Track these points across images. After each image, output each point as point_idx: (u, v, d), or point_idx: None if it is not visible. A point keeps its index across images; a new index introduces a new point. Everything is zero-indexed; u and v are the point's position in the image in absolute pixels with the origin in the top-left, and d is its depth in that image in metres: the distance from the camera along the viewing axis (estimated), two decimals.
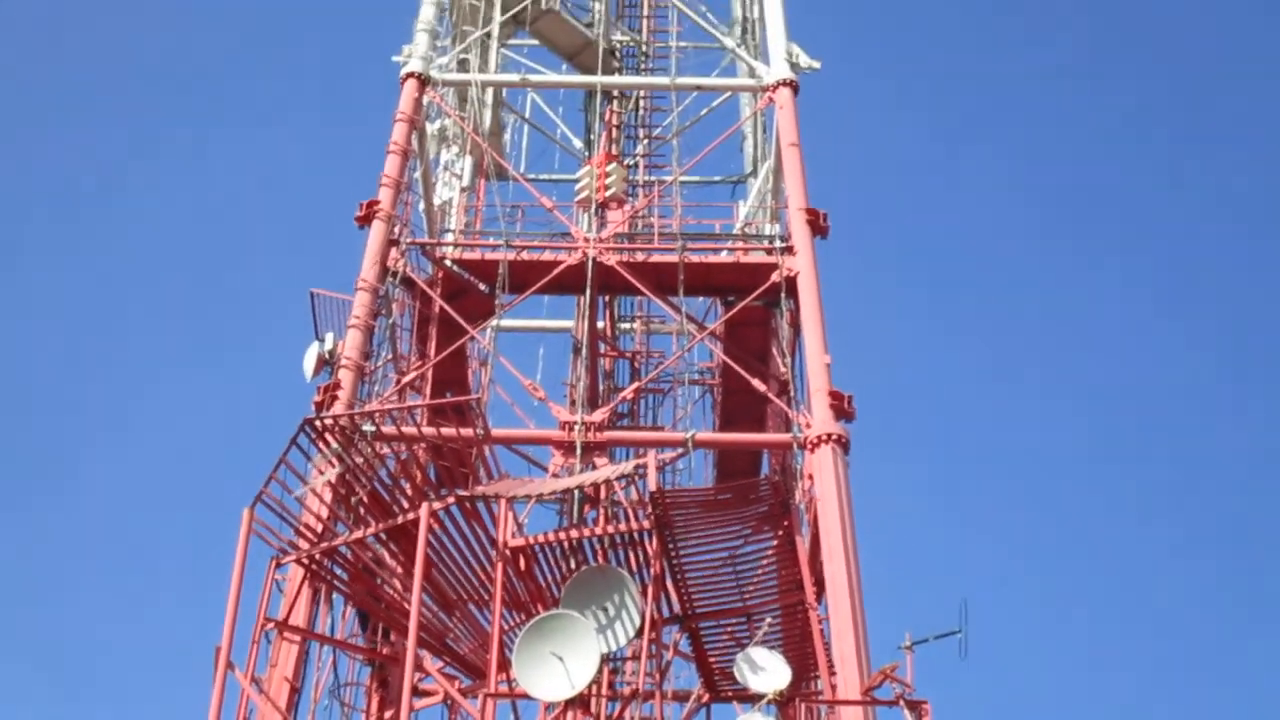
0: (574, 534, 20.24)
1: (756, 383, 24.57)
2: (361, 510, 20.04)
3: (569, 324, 29.66)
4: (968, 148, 74.44)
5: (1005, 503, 67.05)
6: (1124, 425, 68.74)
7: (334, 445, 19.92)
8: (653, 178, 30.76)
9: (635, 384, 28.54)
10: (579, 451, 23.28)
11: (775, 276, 24.62)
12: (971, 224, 72.43)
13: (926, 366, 67.50)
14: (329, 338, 23.88)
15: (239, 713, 19.12)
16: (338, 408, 22.58)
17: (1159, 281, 71.55)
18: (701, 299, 26.51)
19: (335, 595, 21.11)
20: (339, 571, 20.48)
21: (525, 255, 25.39)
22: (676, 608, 21.24)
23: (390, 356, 25.00)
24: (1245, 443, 68.05)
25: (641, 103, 32.28)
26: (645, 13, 33.33)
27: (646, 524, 20.23)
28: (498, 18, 30.34)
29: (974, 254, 72.61)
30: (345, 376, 23.35)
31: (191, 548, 60.03)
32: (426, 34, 28.17)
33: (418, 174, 27.45)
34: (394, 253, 25.16)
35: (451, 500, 19.54)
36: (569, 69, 31.93)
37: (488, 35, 30.14)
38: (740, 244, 26.29)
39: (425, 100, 27.47)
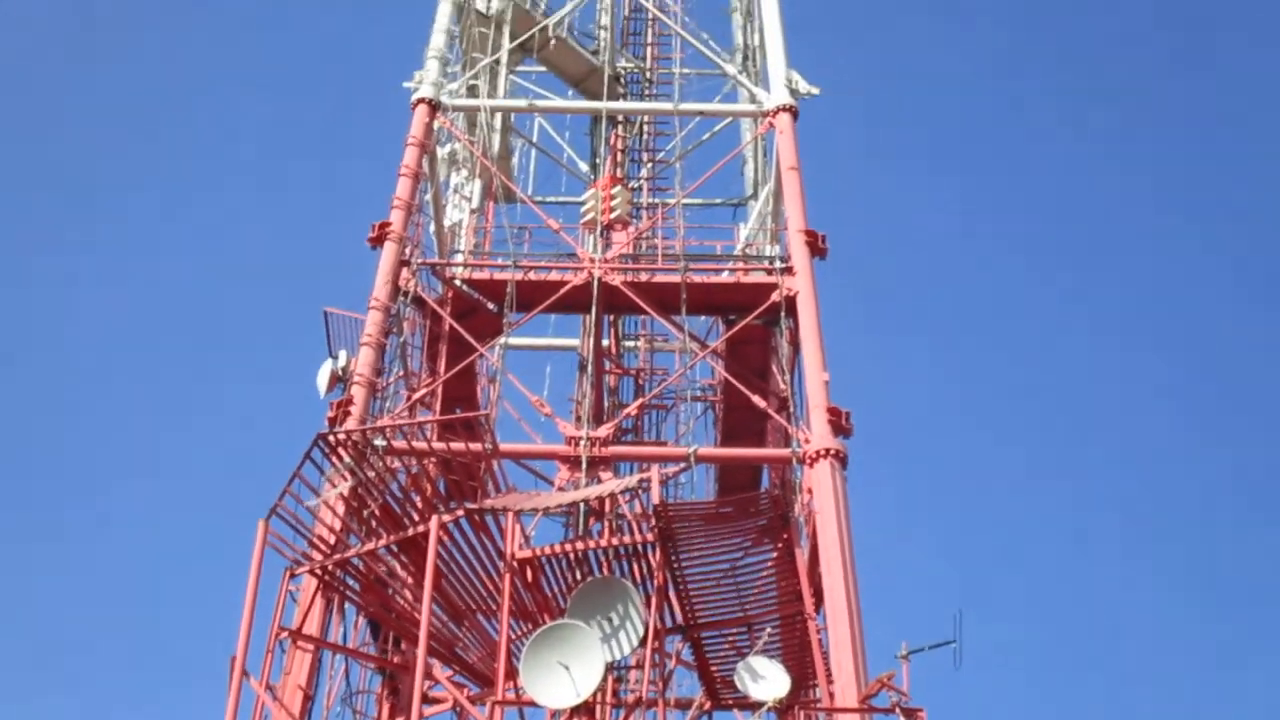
0: (579, 546, 20.24)
1: (757, 399, 24.58)
2: (373, 523, 20.05)
3: (575, 342, 29.67)
4: (961, 174, 74.58)
5: (1000, 515, 67.02)
6: (1118, 430, 68.86)
7: (347, 459, 19.94)
8: (656, 200, 30.78)
9: (639, 400, 28.53)
10: (584, 466, 23.29)
11: (775, 296, 24.62)
12: (966, 245, 72.54)
13: (923, 382, 67.48)
14: (342, 355, 23.89)
15: (254, 719, 19.14)
16: (350, 423, 22.58)
17: (1146, 298, 71.58)
18: (703, 318, 26.53)
19: (347, 605, 21.10)
20: (351, 582, 20.48)
21: (533, 275, 25.41)
22: (679, 618, 21.22)
23: (401, 373, 25.02)
24: (1235, 454, 68.23)
25: (645, 127, 32.32)
26: (649, 40, 33.42)
27: (650, 536, 20.22)
28: (506, 45, 30.40)
29: (968, 273, 72.68)
30: (358, 393, 23.36)
31: (208, 559, 60.10)
32: (437, 61, 28.21)
33: (428, 196, 27.48)
34: (405, 273, 25.18)
35: (461, 513, 19.54)
36: (575, 95, 31.98)
37: (497, 62, 30.19)
38: (741, 265, 26.31)
39: (436, 125, 27.50)
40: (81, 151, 72.55)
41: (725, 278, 25.69)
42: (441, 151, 29.33)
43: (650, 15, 32.99)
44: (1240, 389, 68.89)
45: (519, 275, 25.28)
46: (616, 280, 25.06)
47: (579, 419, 25.74)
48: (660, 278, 25.39)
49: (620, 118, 31.80)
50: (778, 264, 25.34)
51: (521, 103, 30.00)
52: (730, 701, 21.82)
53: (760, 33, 29.99)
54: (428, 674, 19.62)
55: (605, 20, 32.60)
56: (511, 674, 19.07)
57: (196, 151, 73.22)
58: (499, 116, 30.31)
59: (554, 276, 25.35)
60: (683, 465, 24.61)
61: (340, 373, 23.68)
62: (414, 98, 27.49)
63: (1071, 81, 75.13)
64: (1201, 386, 70.10)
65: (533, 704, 18.81)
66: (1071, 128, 74.88)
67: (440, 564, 19.51)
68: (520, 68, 31.91)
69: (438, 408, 25.09)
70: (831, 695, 20.58)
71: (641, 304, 25.13)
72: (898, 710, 19.19)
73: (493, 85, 30.03)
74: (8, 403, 67.05)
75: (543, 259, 25.89)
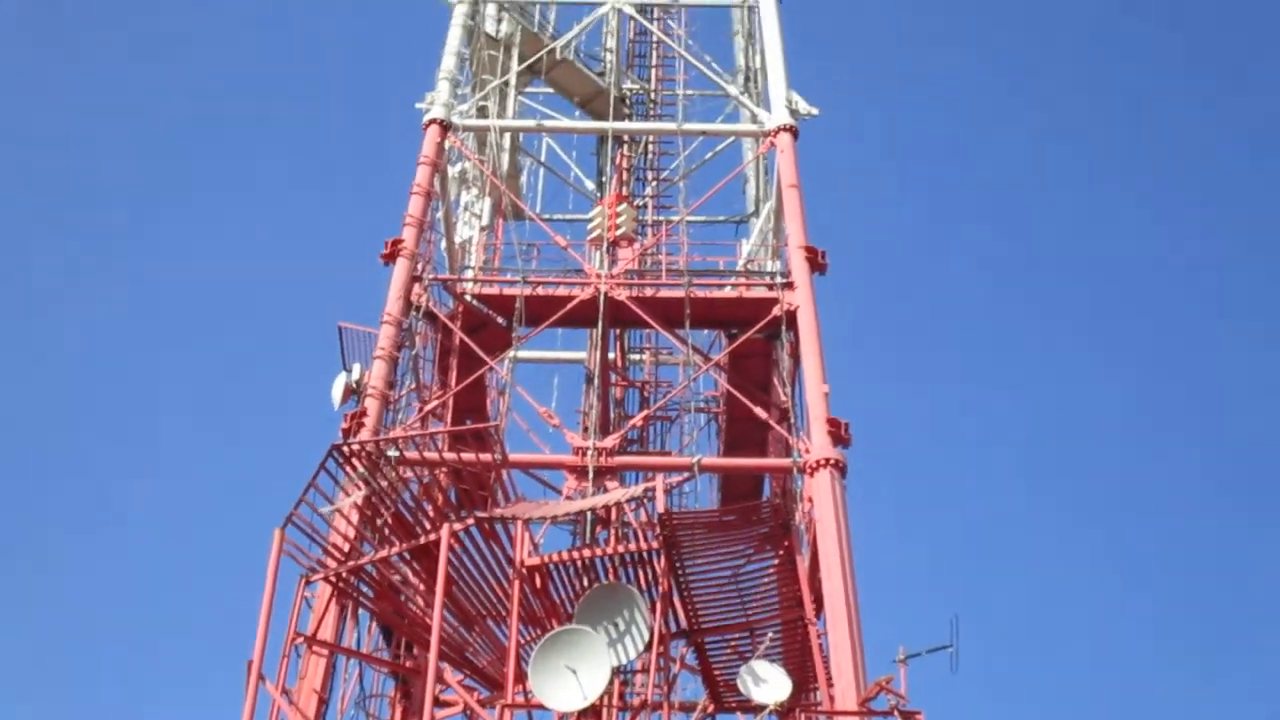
0: (586, 553, 20.23)
1: (759, 410, 24.57)
2: (386, 531, 20.05)
3: (582, 355, 29.67)
4: (956, 191, 74.61)
5: (995, 521, 66.97)
6: (1111, 438, 68.86)
7: (360, 469, 19.94)
8: (661, 217, 30.80)
9: (644, 412, 28.55)
10: (591, 475, 23.28)
11: (776, 310, 24.63)
12: (957, 267, 72.62)
13: (922, 393, 67.50)
14: (356, 368, 23.89)
15: None
16: (364, 434, 22.59)
17: (1141, 311, 71.58)
18: (706, 331, 26.54)
19: (361, 611, 21.09)
20: (365, 589, 20.46)
21: (541, 291, 25.43)
22: (683, 623, 21.21)
23: (413, 386, 25.03)
24: (1230, 463, 68.21)
25: (650, 147, 32.35)
26: (654, 62, 33.47)
27: (655, 544, 20.21)
28: (515, 67, 30.47)
29: (959, 289, 72.77)
30: (371, 405, 23.36)
31: (226, 566, 60.10)
32: (448, 83, 28.26)
33: (440, 214, 27.50)
34: (417, 288, 25.20)
35: (471, 521, 19.53)
36: (582, 115, 32.02)
37: (506, 84, 30.26)
38: (743, 280, 26.32)
39: (447, 145, 27.54)
40: (101, 163, 72.73)
41: (728, 293, 25.70)
42: (452, 170, 29.35)
43: (655, 38, 33.03)
44: (1235, 401, 68.89)
45: (528, 290, 25.30)
46: (622, 295, 25.07)
47: (586, 430, 25.74)
48: (665, 293, 25.40)
49: (626, 137, 31.82)
50: (779, 279, 25.35)
51: (530, 123, 30.04)
52: (733, 704, 21.79)
53: (761, 55, 30.03)
54: (439, 678, 19.60)
55: (611, 43, 32.64)
56: (521, 678, 19.05)
57: (220, 168, 73.43)
58: (508, 136, 30.37)
59: (561, 292, 25.37)
60: (687, 475, 24.63)
61: (354, 385, 23.69)
62: (426, 118, 27.53)
63: (1069, 95, 75.31)
64: (1195, 398, 70.06)
65: (541, 707, 18.80)
66: (1071, 143, 75.03)
67: (451, 571, 19.49)
68: (529, 89, 31.95)
69: (449, 419, 25.10)
70: (832, 698, 20.56)
71: (646, 318, 25.14)
72: (896, 713, 19.17)
73: (502, 106, 30.09)
74: (31, 411, 67.20)
75: (550, 274, 25.91)
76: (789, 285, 24.92)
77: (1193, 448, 68.55)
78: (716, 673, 21.72)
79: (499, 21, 31.29)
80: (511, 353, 25.18)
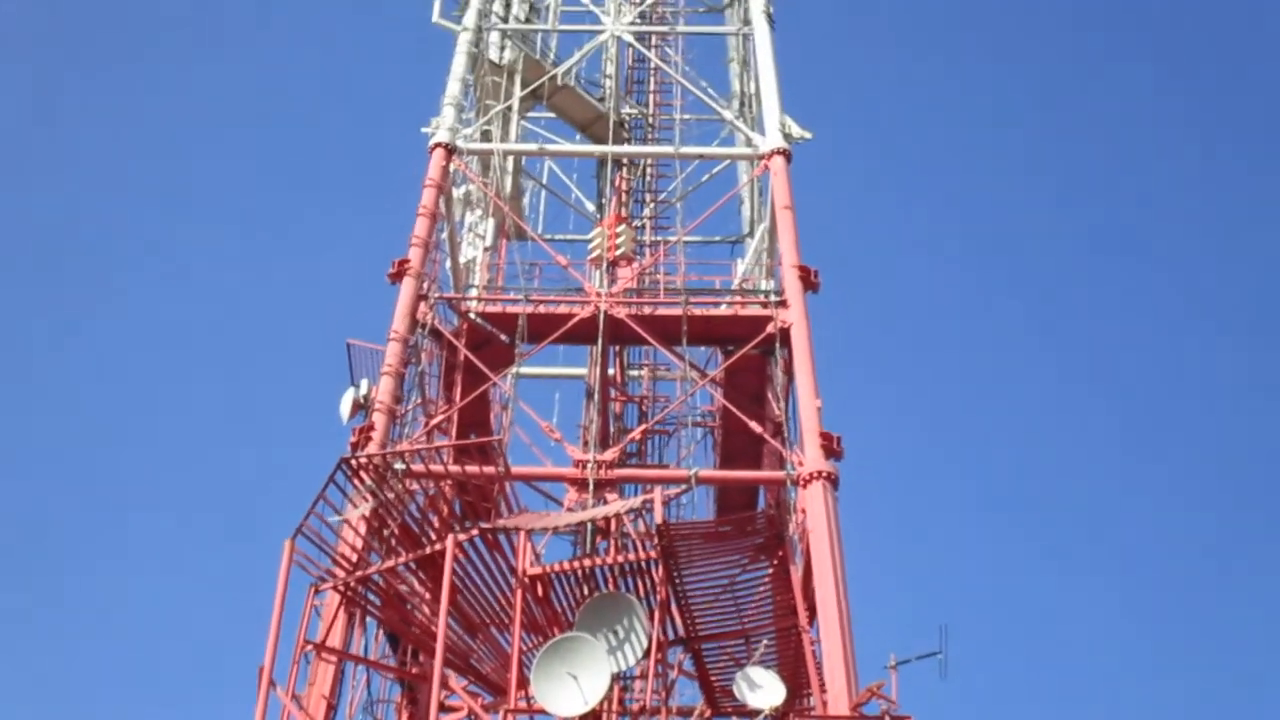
0: (587, 563, 20.27)
1: (753, 424, 24.59)
2: (393, 541, 20.08)
3: (582, 371, 29.70)
4: (946, 210, 74.70)
5: (984, 531, 66.99)
6: (1097, 452, 68.88)
7: (368, 482, 19.98)
8: (658, 238, 30.84)
9: (643, 426, 28.57)
10: (591, 487, 23.30)
11: (770, 328, 24.66)
12: (946, 284, 72.72)
13: (911, 404, 67.54)
14: (364, 384, 23.93)
15: None
16: (371, 448, 22.60)
17: (1122, 331, 71.66)
18: (703, 348, 26.57)
19: (369, 619, 21.10)
20: (372, 597, 20.49)
21: (542, 309, 25.47)
22: (681, 630, 21.23)
23: (419, 401, 25.06)
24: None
25: (648, 170, 32.40)
26: (652, 88, 33.52)
27: (653, 554, 20.25)
28: (518, 93, 30.56)
29: (948, 305, 72.87)
30: (378, 419, 23.39)
31: (238, 576, 60.12)
32: (453, 107, 28.32)
33: (445, 235, 27.56)
34: (423, 307, 25.24)
35: (475, 532, 19.57)
36: (582, 139, 32.10)
37: (509, 108, 30.34)
38: (738, 298, 26.38)
39: (451, 167, 27.60)
40: (118, 182, 72.87)
41: (723, 310, 25.75)
42: (457, 192, 29.42)
43: (652, 64, 33.11)
44: (1231, 412, 68.91)
45: (530, 309, 25.35)
46: (621, 313, 25.12)
47: (586, 444, 25.77)
48: (662, 310, 25.45)
49: (625, 161, 31.88)
50: (773, 297, 25.40)
51: (532, 147, 30.10)
52: (729, 709, 21.80)
53: (756, 80, 30.09)
54: (444, 684, 19.61)
55: (610, 69, 32.71)
56: (523, 684, 19.07)
57: (231, 190, 73.61)
58: (511, 159, 30.41)
59: (563, 310, 25.42)
60: (684, 487, 24.64)
61: (362, 400, 23.72)
62: (431, 142, 27.59)
63: (1057, 115, 75.42)
64: (1186, 410, 70.11)
65: (543, 712, 18.82)
66: (1059, 160, 75.12)
67: (456, 580, 19.52)
68: (531, 114, 32.03)
69: (453, 433, 25.13)
70: (825, 704, 20.55)
71: (645, 335, 25.18)
72: (887, 717, 19.18)
73: (505, 131, 30.18)
74: (39, 422, 67.27)
75: (552, 293, 25.96)
76: (783, 303, 24.95)
77: (1184, 458, 68.66)
78: (713, 679, 21.73)
79: (502, 49, 31.41)
80: (514, 369, 25.22)
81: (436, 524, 20.05)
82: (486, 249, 29.94)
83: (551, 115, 32.36)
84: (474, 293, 27.36)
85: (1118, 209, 74.06)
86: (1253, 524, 66.32)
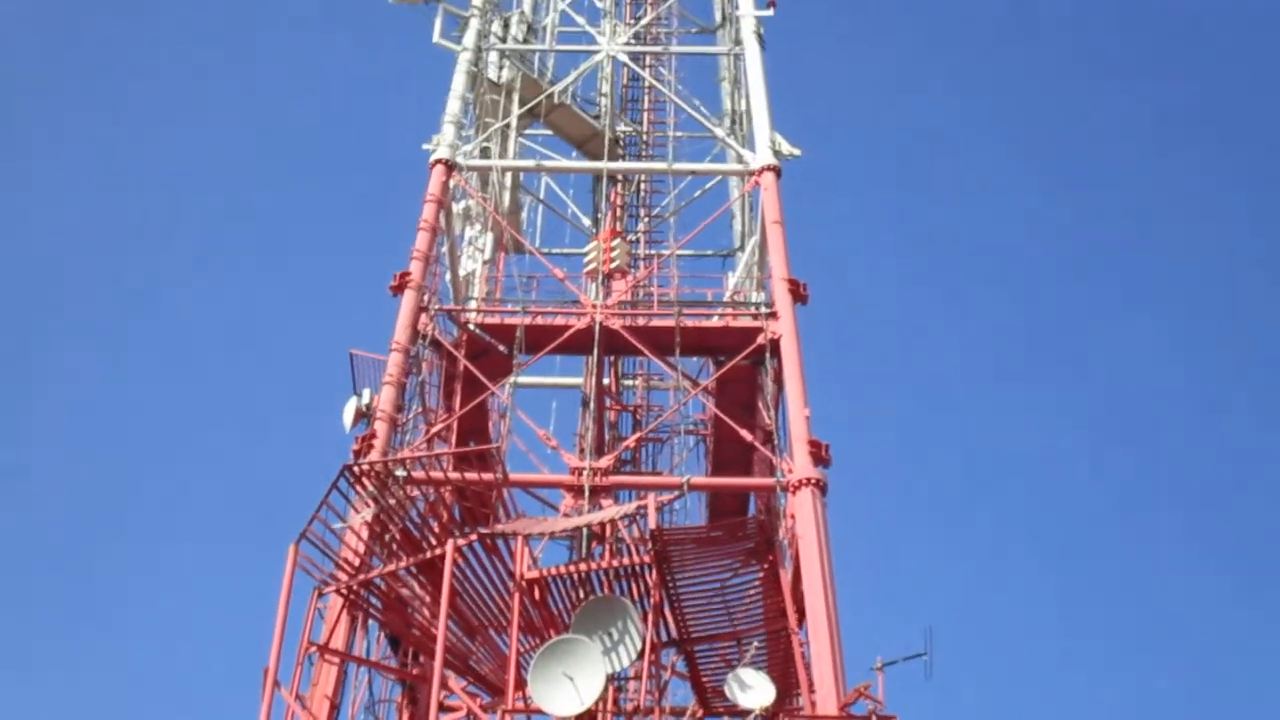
0: (583, 567, 20.31)
1: (744, 433, 24.63)
2: (394, 546, 20.11)
3: (578, 381, 29.72)
4: (929, 227, 74.89)
5: (970, 535, 67.08)
6: (1079, 457, 69.00)
7: (370, 488, 20.02)
8: (652, 251, 30.88)
9: (637, 434, 28.61)
10: (587, 494, 23.35)
11: (761, 339, 24.71)
12: (929, 298, 72.94)
13: (898, 412, 67.63)
14: (366, 393, 23.95)
15: None
16: (373, 455, 22.64)
17: (1103, 342, 71.79)
18: (695, 358, 26.61)
19: (370, 622, 21.13)
20: (374, 601, 20.52)
21: (540, 320, 25.52)
22: (674, 633, 21.25)
23: (420, 409, 25.08)
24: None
25: (642, 185, 32.46)
26: (646, 106, 33.59)
27: (647, 558, 20.28)
28: (516, 111, 30.59)
29: (933, 316, 73.05)
30: (380, 427, 23.41)
31: (243, 580, 60.11)
32: (453, 125, 28.38)
33: (445, 248, 27.61)
34: (424, 318, 25.28)
35: (474, 537, 19.60)
36: (578, 156, 32.15)
37: (507, 126, 30.39)
38: (730, 310, 26.41)
39: (451, 183, 27.65)
40: (130, 203, 72.92)
41: (715, 322, 25.80)
42: (457, 207, 29.47)
43: (647, 84, 33.18)
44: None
45: (527, 320, 25.40)
46: (616, 324, 25.18)
47: (582, 451, 25.81)
48: (656, 322, 25.50)
49: (619, 176, 31.94)
50: (763, 309, 25.46)
51: (530, 163, 30.16)
52: (721, 709, 21.82)
53: (747, 99, 30.17)
54: (444, 685, 19.64)
55: (606, 88, 32.79)
56: (521, 684, 19.10)
57: (236, 204, 73.71)
58: (509, 175, 30.47)
59: (559, 321, 25.47)
60: (677, 493, 24.66)
61: (364, 409, 23.75)
62: (432, 158, 27.64)
63: (1042, 133, 75.62)
64: (1167, 422, 70.25)
65: (540, 712, 18.87)
66: (1042, 176, 75.28)
67: (455, 584, 19.56)
68: (528, 131, 32.07)
69: (453, 441, 25.14)
70: (813, 704, 20.58)
71: (639, 346, 25.23)
72: (874, 717, 19.22)
73: (503, 147, 30.23)
74: (51, 421, 67.30)
75: (549, 305, 26.01)
76: (773, 315, 25.01)
77: (1164, 461, 68.77)
78: (705, 680, 21.76)
79: (501, 68, 31.46)
80: (512, 378, 25.26)
81: (436, 529, 20.08)
82: (485, 262, 29.97)
83: (548, 132, 32.41)
84: (473, 304, 27.39)
85: (1102, 224, 74.28)
86: (1237, 525, 66.45)
